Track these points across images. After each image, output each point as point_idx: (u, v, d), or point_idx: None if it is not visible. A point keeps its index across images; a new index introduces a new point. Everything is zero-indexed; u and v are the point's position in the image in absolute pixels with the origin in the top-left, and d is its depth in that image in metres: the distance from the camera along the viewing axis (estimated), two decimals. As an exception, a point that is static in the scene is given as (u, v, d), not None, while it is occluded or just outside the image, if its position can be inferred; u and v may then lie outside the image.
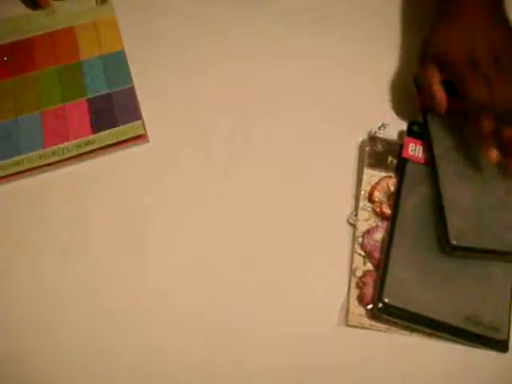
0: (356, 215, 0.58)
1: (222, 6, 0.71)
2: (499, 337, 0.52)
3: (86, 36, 0.71)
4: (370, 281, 0.55)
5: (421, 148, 0.60)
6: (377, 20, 0.68)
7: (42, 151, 0.63)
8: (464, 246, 0.53)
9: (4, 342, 0.54)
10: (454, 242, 0.53)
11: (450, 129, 0.60)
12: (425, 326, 0.52)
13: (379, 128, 0.62)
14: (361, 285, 0.55)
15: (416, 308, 0.52)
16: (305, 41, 0.68)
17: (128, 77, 0.67)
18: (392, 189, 0.59)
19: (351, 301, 0.54)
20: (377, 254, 0.56)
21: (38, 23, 0.73)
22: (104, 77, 0.68)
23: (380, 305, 0.52)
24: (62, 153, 0.63)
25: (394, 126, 0.63)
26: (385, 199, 0.58)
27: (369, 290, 0.54)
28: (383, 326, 0.54)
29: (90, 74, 0.68)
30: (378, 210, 0.58)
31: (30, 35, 0.72)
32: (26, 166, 0.63)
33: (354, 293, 0.55)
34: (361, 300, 0.54)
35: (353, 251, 0.57)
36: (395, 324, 0.53)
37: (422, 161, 0.60)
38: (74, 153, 0.63)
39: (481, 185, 0.57)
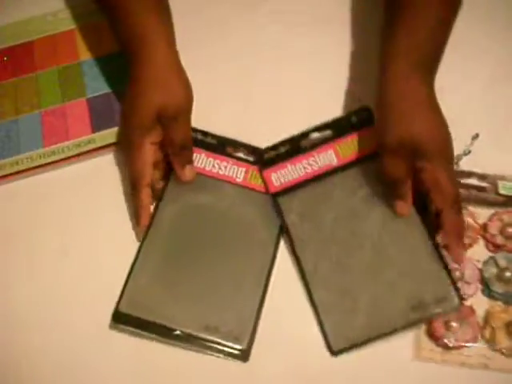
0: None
1: (222, 6, 0.70)
2: (238, 345, 0.50)
3: (87, 37, 0.70)
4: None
5: (195, 156, 0.57)
6: (377, 20, 0.64)
7: (41, 150, 0.62)
8: (343, 347, 0.50)
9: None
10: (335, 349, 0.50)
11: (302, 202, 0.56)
12: (163, 335, 0.50)
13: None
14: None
15: (155, 317, 0.51)
16: (305, 40, 0.67)
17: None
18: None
19: (421, 336, 0.50)
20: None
21: (38, 27, 0.72)
22: (104, 77, 0.66)
23: (116, 314, 0.51)
24: (62, 152, 0.62)
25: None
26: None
27: (438, 325, 0.49)
28: (456, 360, 0.49)
29: (90, 74, 0.67)
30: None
31: (30, 38, 0.71)
32: (26, 165, 0.62)
33: (424, 327, 0.50)
34: (431, 334, 0.49)
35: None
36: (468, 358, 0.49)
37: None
38: (75, 152, 0.62)
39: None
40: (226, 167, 0.58)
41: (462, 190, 0.54)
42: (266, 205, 0.56)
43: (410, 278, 0.50)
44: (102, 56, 0.68)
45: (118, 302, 0.51)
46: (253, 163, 0.58)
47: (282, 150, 0.57)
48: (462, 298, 0.49)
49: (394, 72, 0.53)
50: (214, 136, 0.59)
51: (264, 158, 0.57)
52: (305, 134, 0.58)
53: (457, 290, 0.49)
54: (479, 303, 0.50)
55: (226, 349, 0.50)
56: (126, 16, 0.58)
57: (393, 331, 0.49)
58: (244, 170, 0.58)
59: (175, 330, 0.50)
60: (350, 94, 0.63)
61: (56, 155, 0.62)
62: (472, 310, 0.49)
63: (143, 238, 0.55)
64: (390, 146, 0.51)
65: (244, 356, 0.50)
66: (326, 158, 0.56)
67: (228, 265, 0.54)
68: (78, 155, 0.61)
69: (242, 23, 0.69)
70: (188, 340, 0.50)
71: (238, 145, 0.59)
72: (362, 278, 0.51)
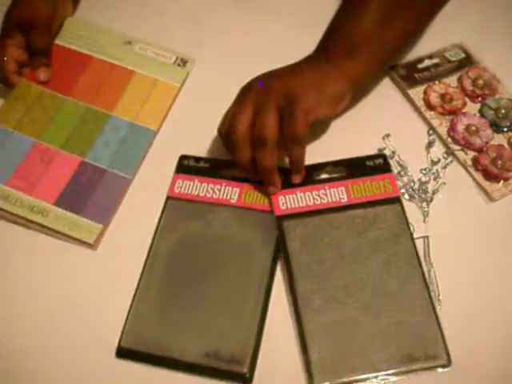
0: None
1: (222, 6, 0.71)
2: (239, 369, 0.49)
3: (137, 90, 0.64)
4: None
5: (188, 183, 0.58)
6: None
7: (4, 188, 0.57)
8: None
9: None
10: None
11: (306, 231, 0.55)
12: (166, 367, 0.50)
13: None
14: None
15: (156, 349, 0.50)
16: (305, 40, 0.67)
17: (135, 166, 0.60)
18: (442, 91, 0.62)
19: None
20: (472, 140, 0.59)
21: (111, 45, 0.66)
22: (114, 149, 0.60)
23: (119, 349, 0.51)
24: (14, 204, 0.56)
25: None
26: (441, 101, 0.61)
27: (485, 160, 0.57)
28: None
29: (107, 136, 0.60)
30: (441, 110, 0.61)
31: (92, 53, 0.66)
32: None
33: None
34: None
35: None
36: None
37: (188, 197, 0.57)
38: (22, 214, 0.56)
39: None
40: (219, 190, 0.57)
41: (425, 72, 0.63)
42: (263, 223, 0.55)
43: (403, 327, 0.50)
44: (133, 124, 0.62)
45: (120, 338, 0.51)
46: (248, 180, 0.57)
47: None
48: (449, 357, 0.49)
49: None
50: (206, 160, 0.59)
51: None
52: (321, 166, 0.58)
53: (446, 347, 0.49)
54: (499, 141, 0.59)
55: (228, 374, 0.49)
56: None
57: (376, 377, 0.48)
58: (238, 190, 0.57)
59: (177, 361, 0.50)
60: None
61: (6, 203, 0.56)
62: (502, 146, 0.58)
63: (142, 270, 0.54)
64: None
65: (246, 379, 0.49)
66: (337, 194, 0.56)
67: (226, 288, 0.53)
68: (23, 218, 0.56)
69: (242, 23, 0.69)
70: (190, 369, 0.49)
71: (231, 164, 0.57)
72: (356, 318, 0.50)
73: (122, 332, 0.51)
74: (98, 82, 0.64)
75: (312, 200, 0.56)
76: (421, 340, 0.49)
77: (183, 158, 0.59)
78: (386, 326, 0.50)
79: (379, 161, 0.58)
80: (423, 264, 0.53)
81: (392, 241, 0.53)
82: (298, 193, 0.56)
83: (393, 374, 0.48)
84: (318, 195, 0.56)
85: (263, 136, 0.52)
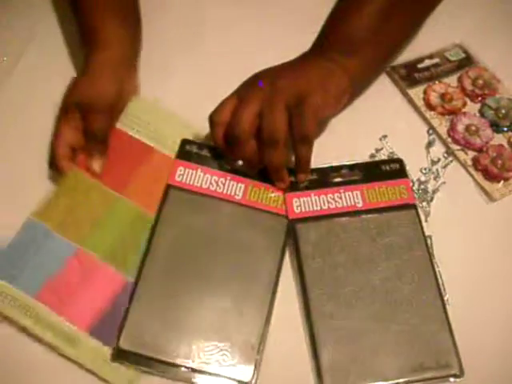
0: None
1: (222, 6, 0.70)
2: (243, 376, 0.48)
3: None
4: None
5: (191, 172, 0.56)
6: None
7: (30, 301, 0.48)
8: None
9: None
10: None
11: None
12: (165, 372, 0.48)
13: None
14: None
15: (156, 353, 0.48)
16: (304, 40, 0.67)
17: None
18: (442, 91, 0.61)
19: None
20: (472, 140, 0.58)
21: (171, 136, 0.58)
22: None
23: (116, 351, 0.48)
24: (39, 324, 0.47)
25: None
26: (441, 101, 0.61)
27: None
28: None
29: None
30: (441, 110, 0.61)
31: (154, 144, 0.57)
32: (1, 306, 0.48)
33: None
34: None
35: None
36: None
37: (191, 188, 0.55)
38: (48, 338, 0.47)
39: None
40: (223, 184, 0.55)
41: (425, 72, 0.63)
42: (269, 225, 0.54)
43: (415, 335, 0.49)
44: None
45: (118, 339, 0.48)
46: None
47: (309, 177, 0.56)
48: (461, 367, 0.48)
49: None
50: (210, 148, 0.56)
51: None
52: (336, 169, 0.57)
53: (459, 357, 0.48)
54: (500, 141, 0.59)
55: (230, 380, 0.47)
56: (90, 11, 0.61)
57: None
58: (243, 185, 0.55)
59: (179, 366, 0.47)
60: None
61: (32, 321, 0.47)
62: (502, 146, 0.58)
63: (140, 268, 0.51)
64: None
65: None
66: (352, 198, 0.55)
67: (229, 290, 0.51)
68: (48, 343, 0.47)
69: (242, 23, 0.69)
70: (192, 374, 0.47)
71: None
72: (368, 324, 0.50)
73: (119, 333, 0.48)
74: (157, 180, 0.56)
75: (327, 204, 0.55)
76: (433, 349, 0.49)
77: (186, 142, 0.57)
78: (397, 333, 0.49)
79: (395, 166, 0.57)
80: (437, 271, 0.52)
81: (406, 247, 0.53)
82: (312, 195, 0.55)
83: (404, 383, 0.47)
84: (333, 198, 0.55)
85: (275, 135, 0.52)
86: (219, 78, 0.62)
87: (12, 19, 0.69)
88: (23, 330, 0.48)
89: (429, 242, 0.54)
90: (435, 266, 0.52)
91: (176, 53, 0.65)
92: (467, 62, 0.65)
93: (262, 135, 0.52)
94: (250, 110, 0.52)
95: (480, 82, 0.62)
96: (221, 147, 0.54)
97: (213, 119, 0.54)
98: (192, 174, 0.55)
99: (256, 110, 0.52)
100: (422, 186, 0.57)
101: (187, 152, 0.57)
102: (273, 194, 0.55)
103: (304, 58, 0.58)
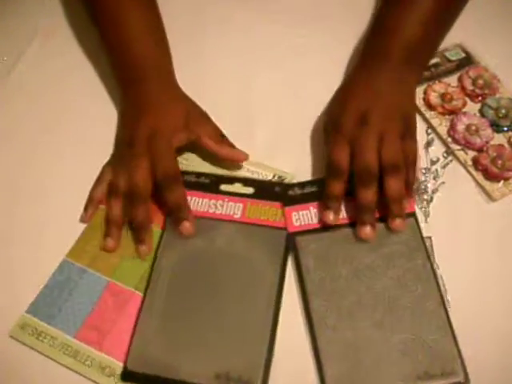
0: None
1: (223, 6, 0.70)
2: None
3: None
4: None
5: (189, 199, 0.56)
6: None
7: (70, 340, 0.49)
8: None
9: None
10: None
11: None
12: None
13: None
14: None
15: (163, 372, 0.48)
16: (304, 39, 0.67)
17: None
18: (442, 91, 0.61)
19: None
20: (472, 139, 0.58)
21: None
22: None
23: (124, 372, 0.48)
24: (83, 363, 0.48)
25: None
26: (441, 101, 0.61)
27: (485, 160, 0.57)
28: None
29: None
30: (441, 110, 0.61)
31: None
32: (42, 347, 0.49)
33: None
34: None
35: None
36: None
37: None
38: (92, 376, 0.48)
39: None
40: (222, 206, 0.56)
41: (425, 72, 0.63)
42: (269, 239, 0.54)
43: (419, 344, 0.49)
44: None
45: (126, 361, 0.49)
46: (250, 196, 0.56)
47: (307, 190, 0.56)
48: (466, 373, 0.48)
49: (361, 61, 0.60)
50: (207, 175, 0.58)
51: (288, 195, 0.56)
52: None
53: (463, 364, 0.48)
54: (500, 140, 0.59)
55: None
56: (126, 44, 0.60)
57: None
58: (241, 205, 0.56)
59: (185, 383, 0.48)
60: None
61: (75, 361, 0.48)
62: (503, 146, 0.58)
63: (145, 290, 0.52)
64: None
65: None
66: (352, 209, 0.54)
67: (233, 307, 0.51)
68: (86, 377, 0.48)
69: (242, 23, 0.69)
70: None
71: (233, 180, 0.57)
72: (372, 334, 0.49)
73: (127, 354, 0.49)
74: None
75: None
76: (437, 356, 0.48)
77: (184, 173, 0.57)
78: (401, 342, 0.49)
79: None
80: (439, 279, 0.52)
81: (407, 256, 0.52)
82: (311, 208, 0.55)
83: None
84: None
85: (397, 162, 0.52)
86: (219, 87, 0.63)
87: (12, 19, 0.70)
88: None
89: (428, 242, 0.53)
90: (437, 272, 0.52)
91: (175, 57, 0.65)
92: (467, 61, 0.65)
93: (384, 164, 0.52)
94: (343, 150, 0.53)
95: (480, 81, 0.62)
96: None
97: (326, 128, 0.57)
98: (191, 200, 0.56)
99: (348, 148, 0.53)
100: (422, 186, 0.57)
101: (185, 182, 0.56)
102: (271, 209, 0.55)
103: (374, 76, 0.57)
